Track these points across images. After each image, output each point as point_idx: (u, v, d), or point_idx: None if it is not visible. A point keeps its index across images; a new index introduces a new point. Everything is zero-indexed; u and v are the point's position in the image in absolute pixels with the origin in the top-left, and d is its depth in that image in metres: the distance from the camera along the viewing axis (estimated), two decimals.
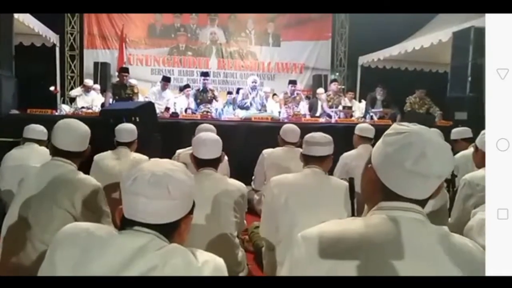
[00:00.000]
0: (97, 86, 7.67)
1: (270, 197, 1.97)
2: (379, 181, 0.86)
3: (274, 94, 8.19)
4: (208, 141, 1.98)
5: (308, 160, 2.04)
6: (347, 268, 0.77)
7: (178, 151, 3.32)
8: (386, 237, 0.80)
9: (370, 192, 0.90)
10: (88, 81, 7.37)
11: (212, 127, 3.24)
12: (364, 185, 0.93)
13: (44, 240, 1.60)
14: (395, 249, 0.79)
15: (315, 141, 2.04)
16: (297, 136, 3.26)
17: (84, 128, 1.86)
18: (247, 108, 6.24)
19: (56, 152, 1.79)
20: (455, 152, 3.19)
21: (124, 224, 0.93)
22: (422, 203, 0.86)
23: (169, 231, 0.94)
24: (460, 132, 3.45)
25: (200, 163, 1.98)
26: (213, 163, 1.99)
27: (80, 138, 1.83)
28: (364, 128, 3.32)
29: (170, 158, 3.18)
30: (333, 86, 6.67)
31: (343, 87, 8.75)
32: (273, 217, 1.91)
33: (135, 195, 0.90)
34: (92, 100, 7.01)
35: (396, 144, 0.83)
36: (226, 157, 3.14)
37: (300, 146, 3.09)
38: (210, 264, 0.92)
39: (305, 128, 3.33)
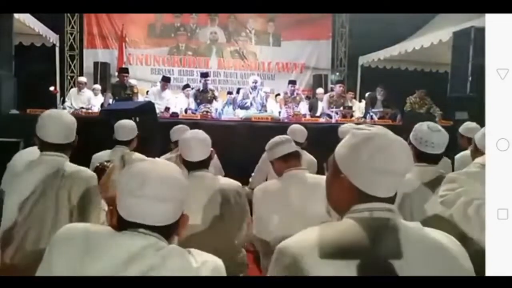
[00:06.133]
0: (98, 86, 7.63)
1: (260, 204, 1.94)
2: (352, 187, 0.87)
3: (277, 95, 8.16)
4: (193, 142, 1.87)
5: (286, 161, 1.98)
6: (328, 274, 0.78)
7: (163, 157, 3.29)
8: (364, 239, 0.81)
9: (342, 200, 0.90)
10: (82, 79, 7.26)
11: (185, 127, 3.21)
12: (336, 194, 0.93)
13: (44, 238, 1.58)
14: (374, 250, 0.80)
15: (285, 139, 2.02)
16: (305, 136, 3.25)
17: (70, 118, 1.81)
18: (247, 108, 6.22)
19: (44, 146, 1.73)
20: (459, 148, 3.16)
21: (124, 225, 0.92)
22: (391, 201, 0.88)
23: (170, 232, 0.95)
24: (468, 129, 3.34)
25: (189, 166, 1.88)
26: (204, 164, 1.90)
27: (68, 128, 1.77)
28: (345, 131, 3.33)
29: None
30: (338, 88, 6.45)
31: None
32: (269, 221, 1.87)
33: (145, 198, 0.89)
34: (89, 99, 6.92)
35: (368, 149, 0.85)
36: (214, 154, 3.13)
37: (305, 149, 3.09)
38: (209, 264, 0.92)
39: (305, 128, 3.33)
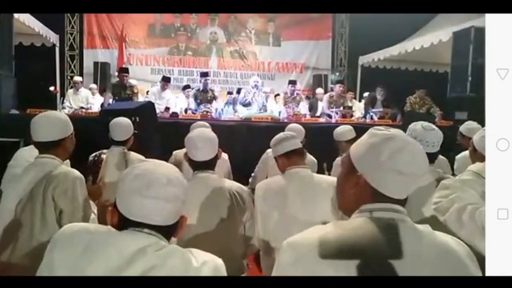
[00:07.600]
0: (94, 86, 7.64)
1: (261, 202, 1.91)
2: (367, 186, 0.87)
3: (277, 95, 8.16)
4: (199, 142, 1.79)
5: (290, 158, 1.96)
6: (332, 272, 0.78)
7: (174, 152, 3.29)
8: (370, 239, 0.81)
9: (354, 199, 0.90)
10: (77, 78, 7.29)
11: (205, 124, 3.19)
12: (348, 192, 0.92)
13: (34, 238, 1.60)
14: (380, 251, 0.79)
15: (290, 136, 2.00)
16: (303, 135, 3.24)
17: (59, 114, 1.80)
18: (248, 105, 6.21)
19: (39, 147, 1.74)
20: (460, 148, 3.15)
21: (126, 224, 0.92)
22: (403, 203, 0.88)
23: (170, 232, 0.96)
24: (469, 129, 3.31)
25: (194, 166, 1.83)
26: (209, 165, 1.83)
27: (57, 124, 1.75)
28: (339, 133, 3.35)
29: (169, 158, 3.12)
30: (338, 88, 6.44)
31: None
32: (269, 218, 1.85)
33: (151, 198, 0.90)
34: (86, 98, 6.91)
35: (388, 149, 0.85)
36: (225, 155, 3.10)
37: (303, 148, 3.10)
38: (209, 264, 0.92)
39: (305, 128, 3.33)
